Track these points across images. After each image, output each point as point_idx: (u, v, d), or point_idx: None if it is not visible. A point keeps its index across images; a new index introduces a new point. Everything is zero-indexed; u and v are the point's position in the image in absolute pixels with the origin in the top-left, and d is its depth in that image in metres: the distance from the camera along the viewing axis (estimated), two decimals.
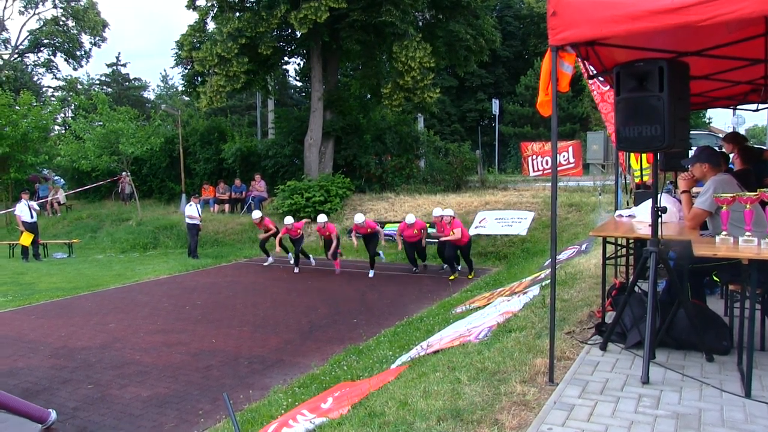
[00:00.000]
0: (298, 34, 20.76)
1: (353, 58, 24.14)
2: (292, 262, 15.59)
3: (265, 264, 15.92)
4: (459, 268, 14.00)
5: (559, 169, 16.18)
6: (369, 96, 24.50)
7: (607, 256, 6.09)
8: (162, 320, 10.27)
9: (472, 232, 16.22)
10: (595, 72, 5.26)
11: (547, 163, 20.91)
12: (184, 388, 7.00)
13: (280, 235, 15.26)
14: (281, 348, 8.52)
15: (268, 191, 21.80)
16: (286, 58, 24.51)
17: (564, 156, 20.25)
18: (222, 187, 22.73)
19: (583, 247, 11.52)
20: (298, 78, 36.88)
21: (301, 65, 28.10)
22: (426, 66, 19.44)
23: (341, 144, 22.05)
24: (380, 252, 15.54)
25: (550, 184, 8.44)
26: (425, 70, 19.62)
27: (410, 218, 14.15)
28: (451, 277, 13.46)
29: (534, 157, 21.32)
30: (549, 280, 5.48)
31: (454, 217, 13.73)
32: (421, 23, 21.78)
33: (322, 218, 14.79)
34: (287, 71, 27.09)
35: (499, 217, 17.02)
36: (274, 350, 8.42)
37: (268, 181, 22.21)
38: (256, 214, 16.00)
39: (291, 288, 13.07)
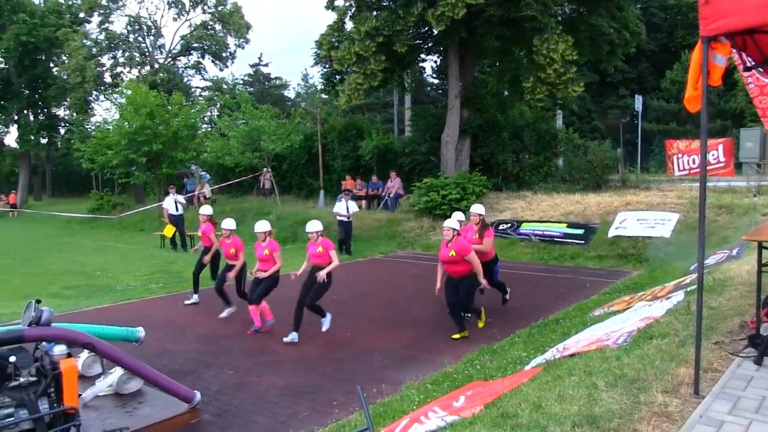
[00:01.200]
0: (435, 31, 20.72)
1: (490, 55, 23.82)
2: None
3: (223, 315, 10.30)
4: (468, 317, 9.20)
5: (708, 168, 15.07)
6: (507, 93, 24.11)
7: (764, 262, 5.55)
8: (288, 316, 10.55)
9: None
10: (753, 63, 4.81)
11: (694, 162, 19.59)
12: (318, 379, 7.12)
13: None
14: (414, 344, 8.50)
15: (405, 188, 21.96)
16: (422, 56, 24.62)
17: (713, 154, 18.91)
18: (359, 183, 23.16)
19: (734, 252, 10.64)
20: (434, 75, 37.00)
21: (438, 62, 28.13)
22: (568, 59, 18.81)
23: (478, 141, 21.82)
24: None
25: (697, 184, 7.85)
26: (567, 63, 18.99)
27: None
28: (456, 336, 8.62)
29: (680, 155, 20.04)
30: (695, 286, 5.08)
31: (482, 216, 9.92)
32: (560, 18, 21.10)
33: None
34: (424, 69, 27.25)
35: (641, 218, 16.13)
36: (406, 346, 8.42)
37: (405, 178, 22.38)
38: (206, 209, 11.36)
39: (425, 285, 12.96)
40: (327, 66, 24.11)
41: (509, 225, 17.69)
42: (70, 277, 14.74)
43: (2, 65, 40.95)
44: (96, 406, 6.15)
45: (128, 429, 5.56)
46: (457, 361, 7.44)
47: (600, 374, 4.59)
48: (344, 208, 17.31)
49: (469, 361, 7.27)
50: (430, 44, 23.46)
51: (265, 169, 25.22)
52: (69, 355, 5.25)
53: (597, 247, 15.40)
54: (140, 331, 6.86)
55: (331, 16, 22.04)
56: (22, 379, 4.95)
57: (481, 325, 8.94)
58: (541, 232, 16.81)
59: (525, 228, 17.04)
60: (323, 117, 26.46)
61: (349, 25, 21.83)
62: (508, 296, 10.36)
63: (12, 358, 4.95)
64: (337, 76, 23.05)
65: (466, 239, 9.15)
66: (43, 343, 5.33)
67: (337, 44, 21.27)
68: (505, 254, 16.20)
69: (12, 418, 4.80)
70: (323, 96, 36.84)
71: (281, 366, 7.63)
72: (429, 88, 40.78)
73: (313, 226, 8.94)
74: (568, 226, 16.14)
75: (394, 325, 9.59)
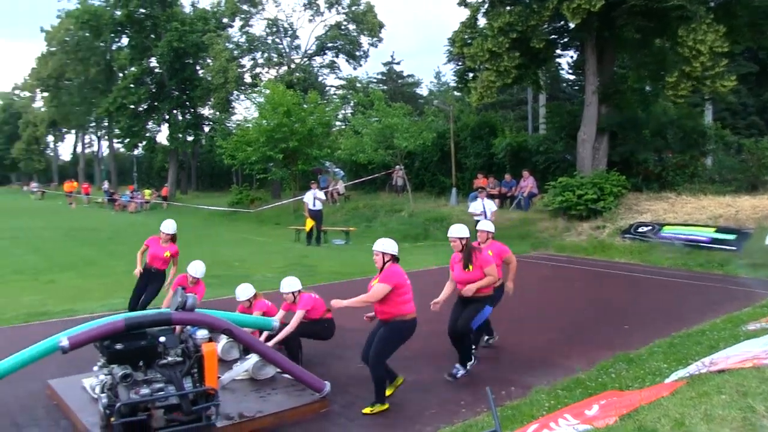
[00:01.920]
0: (571, 25, 20.16)
1: (630, 48, 22.81)
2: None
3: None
4: (459, 372, 7.29)
5: None
6: (648, 87, 23.00)
7: None
8: (427, 310, 10.52)
9: None
10: None
11: None
12: (446, 378, 7.17)
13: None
14: (545, 347, 8.36)
15: (539, 187, 21.53)
16: (558, 51, 23.99)
17: None
18: (491, 181, 22.96)
19: None
20: (571, 71, 35.95)
21: (574, 58, 27.32)
22: (718, 51, 17.60)
23: (617, 139, 20.95)
24: None
25: None
26: (717, 55, 17.78)
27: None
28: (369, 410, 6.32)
29: None
30: None
31: (490, 234, 8.15)
32: (712, 4, 19.72)
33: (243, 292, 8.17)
34: (559, 64, 26.49)
35: None
36: (537, 349, 8.30)
37: (539, 177, 21.93)
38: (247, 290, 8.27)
39: (558, 288, 12.73)
40: (459, 63, 24.13)
41: (650, 228, 16.91)
42: (211, 267, 15.54)
43: (157, 70, 44.05)
44: (233, 388, 6.57)
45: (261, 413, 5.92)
46: (590, 368, 7.24)
47: (758, 396, 4.20)
48: (480, 207, 16.21)
49: (603, 369, 7.05)
50: (566, 39, 22.81)
51: (397, 166, 25.57)
52: (210, 340, 5.78)
53: (751, 254, 14.25)
54: (275, 321, 7.24)
55: (464, 13, 21.95)
56: (169, 359, 5.52)
57: (389, 392, 6.44)
58: (685, 237, 15.84)
59: (667, 231, 16.23)
60: (456, 114, 26.45)
61: (481, 22, 21.66)
62: (492, 341, 8.42)
63: (162, 339, 5.52)
64: (470, 74, 22.94)
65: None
66: (188, 327, 5.96)
67: (469, 41, 21.16)
68: (644, 258, 15.56)
69: (162, 393, 5.33)
70: (456, 93, 36.83)
71: (410, 362, 7.65)
72: (564, 84, 39.68)
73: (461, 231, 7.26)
74: (717, 231, 15.16)
75: (524, 327, 9.47)
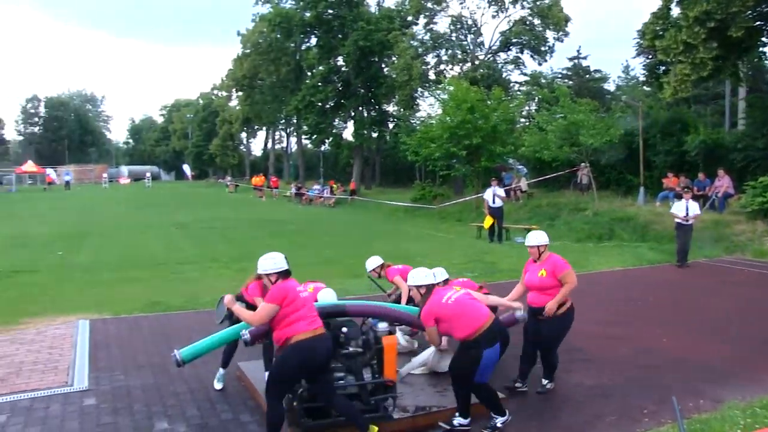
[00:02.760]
0: None
1: None
2: None
3: None
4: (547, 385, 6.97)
5: None
6: None
7: None
8: (609, 312, 10.58)
9: None
10: None
11: None
12: (626, 384, 7.05)
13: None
14: (734, 359, 7.99)
15: (736, 187, 20.67)
16: (764, 39, 22.74)
17: None
18: (682, 180, 22.33)
19: None
20: None
21: None
22: None
23: None
24: None
25: None
26: None
27: None
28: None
29: None
30: None
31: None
32: None
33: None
34: (764, 54, 24.84)
35: None
36: (727, 360, 7.94)
37: (736, 176, 21.03)
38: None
39: (752, 296, 12.16)
40: (650, 56, 23.59)
41: None
42: (393, 261, 16.60)
43: (344, 68, 46.65)
44: (410, 382, 6.78)
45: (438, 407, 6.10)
46: None
47: None
48: (683, 208, 15.20)
49: None
50: None
51: (582, 164, 25.47)
52: (390, 333, 6.12)
53: None
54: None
55: (655, 3, 21.45)
56: (350, 349, 5.86)
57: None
58: None
59: None
60: (645, 110, 25.87)
61: (675, 11, 21.08)
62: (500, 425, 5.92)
63: (344, 329, 5.88)
64: (662, 67, 22.42)
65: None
66: (370, 319, 6.26)
67: (661, 33, 20.69)
68: None
69: (342, 381, 5.72)
70: (645, 88, 35.63)
71: (589, 365, 7.71)
72: None
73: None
74: None
75: (713, 336, 9.14)
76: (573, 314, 6.87)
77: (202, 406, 6.45)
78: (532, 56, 41.06)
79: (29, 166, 77.77)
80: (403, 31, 41.15)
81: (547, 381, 6.85)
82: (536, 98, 39.38)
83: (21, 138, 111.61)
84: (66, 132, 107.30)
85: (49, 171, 76.21)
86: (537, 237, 6.89)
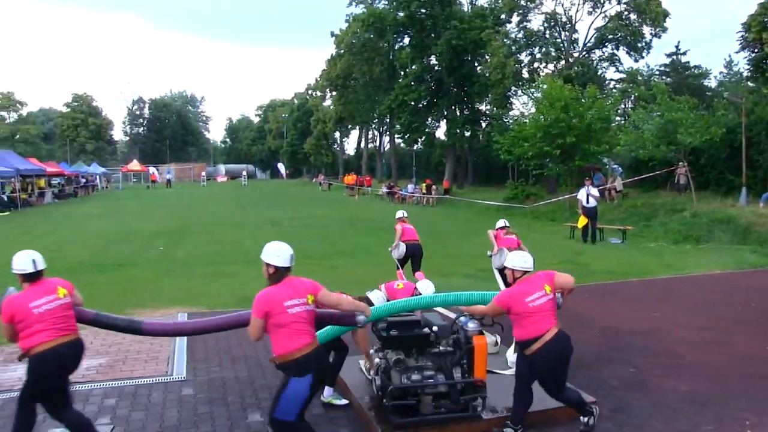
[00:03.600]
0: None
1: None
2: None
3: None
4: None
5: None
6: None
7: None
8: (708, 317, 10.32)
9: None
10: None
11: None
12: (724, 392, 6.77)
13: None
14: None
15: None
16: None
17: None
18: None
19: None
20: None
21: None
22: None
23: None
24: None
25: None
26: None
27: None
28: None
29: None
30: None
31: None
32: None
33: None
34: None
35: None
36: None
37: None
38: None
39: None
40: (756, 50, 22.84)
41: None
42: (484, 261, 16.82)
43: (437, 67, 47.00)
44: (502, 382, 6.64)
45: None
46: None
47: None
48: None
49: None
50: None
51: (680, 163, 24.94)
52: (481, 333, 6.04)
53: None
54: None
55: None
56: (441, 348, 5.99)
57: None
58: None
59: None
60: (749, 107, 25.04)
61: None
62: None
63: (435, 328, 5.98)
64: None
65: None
66: (461, 318, 6.17)
67: None
68: None
69: (432, 380, 5.76)
70: (750, 84, 34.27)
71: (684, 370, 7.51)
72: None
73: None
74: None
75: None
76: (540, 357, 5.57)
77: None
78: (628, 53, 40.15)
79: (134, 164, 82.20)
80: (496, 29, 41.02)
81: (585, 418, 5.76)
82: (632, 96, 38.60)
83: (127, 138, 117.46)
84: (168, 132, 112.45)
85: (152, 169, 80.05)
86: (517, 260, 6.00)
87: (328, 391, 6.50)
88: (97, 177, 66.58)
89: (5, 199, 37.19)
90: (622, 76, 42.64)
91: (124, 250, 18.83)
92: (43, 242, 19.55)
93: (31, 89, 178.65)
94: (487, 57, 42.61)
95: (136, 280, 13.83)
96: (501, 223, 11.09)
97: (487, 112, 49.57)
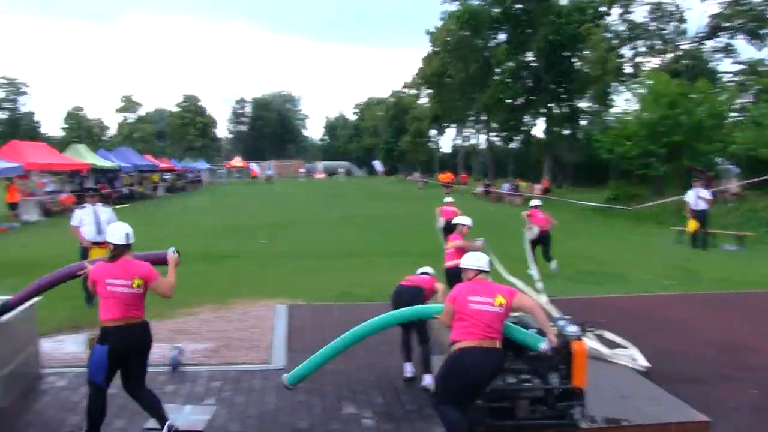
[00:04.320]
0: None
1: None
2: None
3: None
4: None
5: None
6: None
7: None
8: None
9: None
10: None
11: None
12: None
13: None
14: None
15: None
16: None
17: None
18: None
19: None
20: None
21: None
22: None
23: None
24: None
25: None
26: None
27: None
28: None
29: None
30: None
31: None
32: None
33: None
34: None
35: None
36: None
37: None
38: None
39: None
40: None
41: None
42: (583, 262, 15.76)
43: (533, 64, 45.60)
44: (601, 391, 6.26)
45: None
46: None
47: None
48: None
49: None
50: None
51: None
52: (580, 338, 5.73)
53: None
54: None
55: None
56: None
57: None
58: None
59: None
60: None
61: None
62: None
63: (531, 331, 5.68)
64: None
65: None
66: (560, 322, 5.91)
67: None
68: None
69: (528, 384, 5.64)
70: None
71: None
72: None
73: None
74: None
75: None
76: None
77: (388, 396, 6.69)
78: (749, 41, 37.18)
79: (237, 161, 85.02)
80: (596, 22, 39.39)
81: None
82: (752, 89, 35.79)
83: (231, 136, 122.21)
84: (268, 130, 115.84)
85: (253, 166, 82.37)
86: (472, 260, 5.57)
87: (428, 378, 6.64)
88: (203, 173, 68.96)
89: (125, 192, 39.50)
90: (741, 67, 39.71)
91: (229, 242, 19.67)
92: (158, 233, 20.92)
93: (147, 91, 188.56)
94: (586, 52, 40.93)
95: (240, 272, 14.44)
96: (535, 202, 14.79)
97: (587, 109, 47.75)
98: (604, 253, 17.41)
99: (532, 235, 13.80)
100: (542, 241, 14.09)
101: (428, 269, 7.66)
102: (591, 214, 30.35)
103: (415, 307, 6.40)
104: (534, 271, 11.31)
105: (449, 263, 9.21)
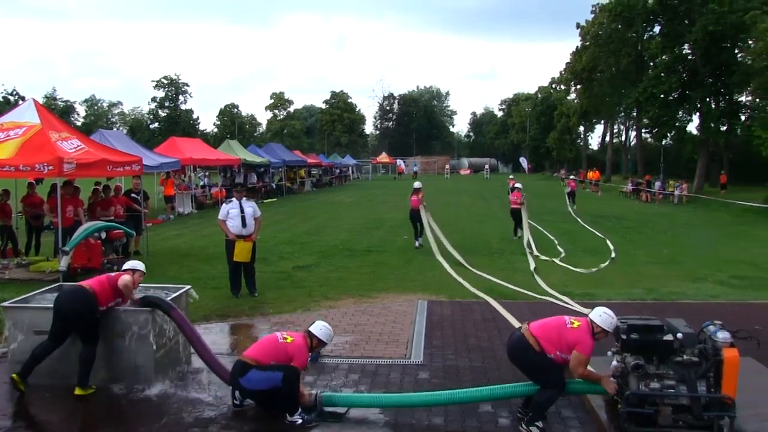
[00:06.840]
0: None
1: None
2: None
3: None
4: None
5: None
6: None
7: None
8: None
9: None
10: None
11: None
12: None
13: None
14: None
15: None
16: None
17: None
18: None
19: None
20: None
21: None
22: None
23: None
24: None
25: None
26: None
27: None
28: None
29: None
30: None
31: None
32: None
33: None
34: None
35: None
36: None
37: None
38: None
39: None
40: None
41: None
42: (740, 267, 14.89)
43: (690, 56, 43.14)
44: (750, 403, 5.75)
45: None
46: None
47: None
48: None
49: None
50: None
51: None
52: (732, 345, 5.31)
53: None
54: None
55: None
56: (685, 357, 5.41)
57: None
58: None
59: None
60: None
61: None
62: None
63: (679, 335, 5.44)
64: None
65: None
66: (710, 328, 5.51)
67: None
68: None
69: (673, 391, 5.32)
70: None
71: None
72: None
73: None
74: None
75: None
76: None
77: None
78: None
79: (383, 157, 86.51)
80: (764, 9, 36.39)
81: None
82: None
83: (377, 132, 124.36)
84: (414, 126, 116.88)
85: (399, 161, 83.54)
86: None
87: None
88: (350, 168, 70.75)
89: (274, 187, 41.32)
90: None
91: (373, 236, 20.23)
92: (304, 227, 22.25)
93: (297, 89, 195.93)
94: (750, 42, 38.00)
95: (382, 266, 14.60)
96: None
97: (748, 103, 44.47)
98: (764, 257, 16.37)
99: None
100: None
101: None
102: (752, 216, 28.62)
103: (513, 385, 6.01)
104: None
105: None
